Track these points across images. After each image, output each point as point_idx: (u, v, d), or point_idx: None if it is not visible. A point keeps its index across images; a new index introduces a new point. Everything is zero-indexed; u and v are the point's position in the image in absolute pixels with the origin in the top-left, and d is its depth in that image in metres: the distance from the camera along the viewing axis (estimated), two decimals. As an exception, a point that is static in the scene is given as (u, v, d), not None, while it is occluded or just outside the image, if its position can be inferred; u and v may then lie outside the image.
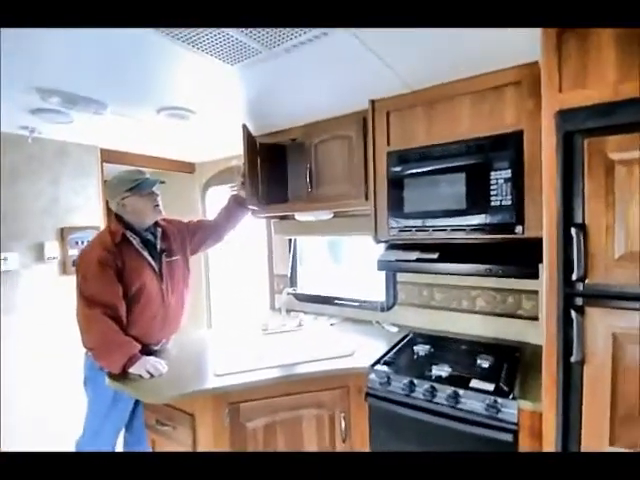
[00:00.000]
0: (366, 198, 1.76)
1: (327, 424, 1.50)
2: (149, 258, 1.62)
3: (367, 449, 1.50)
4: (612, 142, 0.97)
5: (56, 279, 2.28)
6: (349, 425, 1.51)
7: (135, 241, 1.60)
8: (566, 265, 1.03)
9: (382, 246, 1.80)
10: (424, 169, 1.55)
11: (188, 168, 2.99)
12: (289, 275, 2.48)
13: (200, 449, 1.43)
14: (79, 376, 1.66)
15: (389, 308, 2.14)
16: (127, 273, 1.53)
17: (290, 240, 2.47)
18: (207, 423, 1.40)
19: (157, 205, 1.62)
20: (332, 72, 1.40)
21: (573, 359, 1.02)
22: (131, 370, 1.45)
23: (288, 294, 2.12)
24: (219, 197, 2.86)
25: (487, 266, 1.42)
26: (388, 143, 1.66)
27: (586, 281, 1.01)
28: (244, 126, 1.89)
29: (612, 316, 0.99)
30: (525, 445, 1.20)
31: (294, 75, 1.42)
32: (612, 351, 0.99)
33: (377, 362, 1.54)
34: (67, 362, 2.25)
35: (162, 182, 1.66)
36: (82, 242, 2.37)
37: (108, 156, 2.53)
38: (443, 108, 1.53)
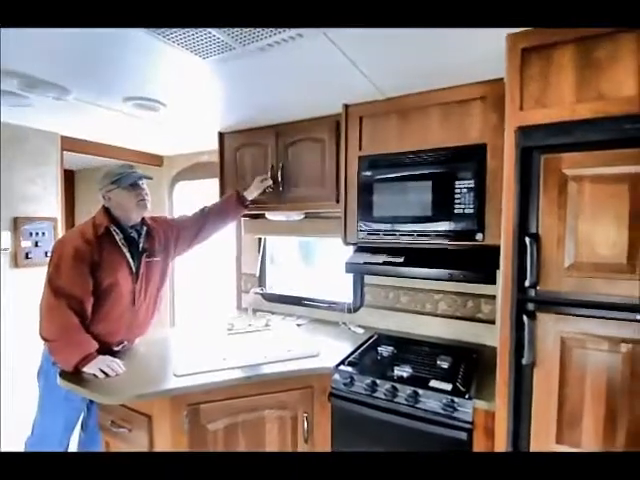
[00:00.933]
0: (337, 201, 1.78)
1: (289, 425, 1.49)
2: (128, 256, 1.55)
3: (329, 449, 1.52)
4: (567, 159, 1.04)
5: (5, 272, 2.13)
6: (312, 426, 1.52)
7: (118, 237, 1.54)
8: (520, 272, 1.09)
9: (351, 249, 1.83)
10: (393, 175, 1.60)
11: (156, 161, 2.89)
12: (258, 275, 2.46)
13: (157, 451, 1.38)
14: (31, 374, 1.56)
15: (356, 310, 2.18)
16: (102, 268, 1.48)
17: (260, 239, 2.45)
18: (165, 425, 1.36)
19: (142, 200, 1.57)
20: (306, 74, 1.41)
21: (524, 361, 1.08)
22: (85, 369, 1.39)
23: (255, 294, 2.10)
24: (188, 192, 2.79)
25: (449, 271, 1.48)
26: (360, 148, 1.69)
27: (538, 288, 1.08)
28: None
29: (561, 321, 1.06)
30: (479, 443, 1.25)
31: (268, 74, 1.41)
32: (560, 354, 1.06)
33: (341, 363, 1.56)
34: (15, 360, 2.11)
35: (149, 178, 1.61)
36: (37, 234, 2.24)
37: (70, 144, 2.39)
38: (415, 117, 1.58)
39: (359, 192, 1.69)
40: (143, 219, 1.63)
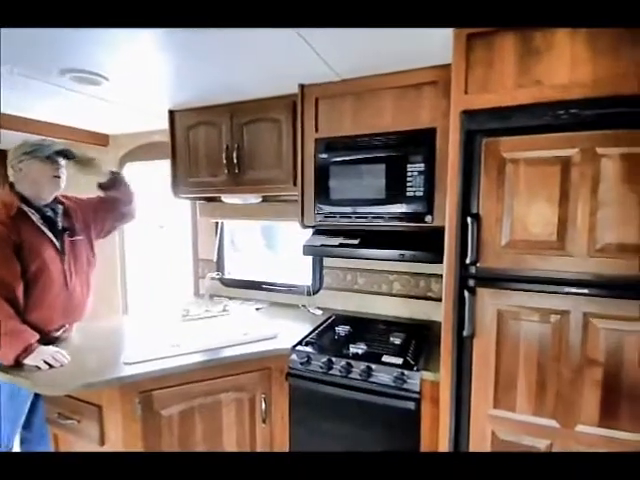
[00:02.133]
0: (294, 184, 1.77)
1: (247, 407, 1.51)
2: (50, 235, 1.45)
3: (287, 429, 1.55)
4: (505, 143, 1.11)
5: None
6: (270, 406, 1.54)
7: (34, 217, 1.43)
8: (462, 251, 1.16)
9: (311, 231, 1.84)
10: (349, 158, 1.61)
11: (101, 140, 2.70)
12: (215, 260, 2.41)
13: (109, 442, 1.35)
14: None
15: (315, 292, 2.21)
16: (25, 250, 1.37)
17: (217, 223, 2.39)
18: (116, 414, 1.32)
19: (57, 176, 1.45)
20: (261, 52, 1.36)
21: (465, 334, 1.16)
22: (26, 361, 1.30)
23: (212, 279, 2.06)
24: (139, 174, 2.63)
25: (401, 252, 1.53)
26: (316, 130, 1.68)
27: (478, 265, 1.15)
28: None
29: (498, 295, 1.15)
30: (427, 412, 1.34)
31: (220, 51, 1.35)
32: (497, 326, 1.15)
33: (299, 343, 1.58)
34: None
35: (69, 156, 1.49)
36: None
37: (7, 122, 2.17)
38: (369, 100, 1.59)
39: (316, 175, 1.68)
40: (56, 197, 1.53)
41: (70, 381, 1.25)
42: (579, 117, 1.03)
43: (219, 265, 2.43)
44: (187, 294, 2.50)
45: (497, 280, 1.14)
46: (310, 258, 2.19)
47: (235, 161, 1.84)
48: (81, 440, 1.40)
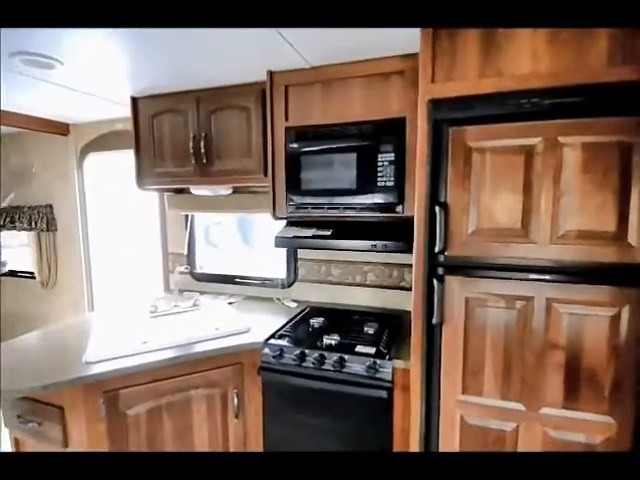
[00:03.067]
0: (265, 174, 1.73)
1: (219, 403, 1.47)
2: None
3: (260, 423, 1.53)
4: (470, 132, 1.11)
5: None
6: (242, 401, 1.52)
7: None
8: (431, 240, 1.16)
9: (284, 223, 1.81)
10: (320, 148, 1.58)
11: (60, 129, 2.54)
12: (186, 253, 2.33)
13: (73, 443, 1.29)
14: None
15: (290, 285, 2.18)
16: None
17: (187, 216, 2.31)
18: (79, 415, 1.27)
19: None
20: (227, 40, 1.31)
21: (434, 321, 1.17)
22: None
23: (181, 273, 2.00)
24: (102, 165, 2.51)
25: (372, 242, 1.53)
26: (286, 118, 1.64)
27: (446, 253, 1.16)
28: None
29: (465, 283, 1.16)
30: (399, 400, 1.35)
31: (183, 37, 1.29)
32: (465, 313, 1.17)
33: (272, 336, 1.56)
34: None
35: None
36: None
37: None
38: (338, 88, 1.56)
39: (287, 165, 1.65)
40: None
41: (26, 382, 1.18)
42: (541, 106, 1.04)
43: (190, 259, 2.36)
44: (157, 289, 2.42)
45: (464, 268, 1.15)
46: (284, 251, 2.16)
47: (203, 151, 1.78)
48: (43, 443, 1.34)
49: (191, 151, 1.80)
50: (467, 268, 1.15)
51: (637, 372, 1.05)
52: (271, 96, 1.63)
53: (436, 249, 1.15)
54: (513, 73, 1.07)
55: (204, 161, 1.79)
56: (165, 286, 2.42)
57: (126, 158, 2.10)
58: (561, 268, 1.06)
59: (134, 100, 1.93)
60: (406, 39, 1.30)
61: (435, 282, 1.16)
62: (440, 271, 1.17)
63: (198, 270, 2.38)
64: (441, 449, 1.24)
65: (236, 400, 1.49)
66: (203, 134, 1.78)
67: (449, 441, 1.23)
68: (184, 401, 1.42)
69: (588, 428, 1.11)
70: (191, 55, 1.46)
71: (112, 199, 2.65)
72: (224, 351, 1.45)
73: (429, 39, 1.14)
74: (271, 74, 1.62)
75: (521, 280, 1.10)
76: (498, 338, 1.15)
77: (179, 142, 1.85)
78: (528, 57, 1.06)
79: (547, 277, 1.07)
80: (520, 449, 1.16)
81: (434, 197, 1.16)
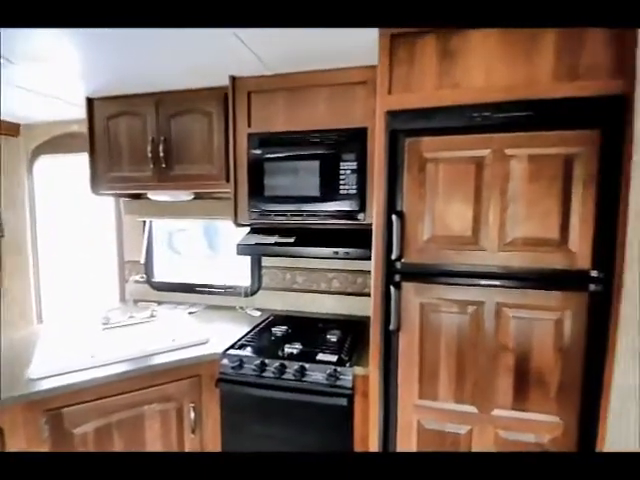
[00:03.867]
0: (227, 180, 1.70)
1: (174, 418, 1.41)
2: None
3: (219, 437, 1.48)
4: (425, 143, 1.15)
5: None
6: (200, 415, 1.46)
7: None
8: (388, 247, 1.18)
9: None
10: (283, 155, 1.58)
11: (10, 130, 2.38)
12: (143, 262, 2.24)
13: (9, 470, 1.18)
14: None
15: (254, 293, 2.15)
16: None
17: (145, 222, 2.22)
18: (19, 437, 1.17)
19: None
20: (185, 42, 1.29)
21: (391, 327, 1.19)
22: None
23: (136, 282, 1.91)
24: (54, 168, 2.37)
25: (335, 249, 1.54)
26: (249, 124, 1.62)
27: (402, 260, 1.19)
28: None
29: (421, 289, 1.19)
30: (359, 407, 1.35)
31: (140, 38, 1.25)
32: (420, 319, 1.19)
33: (231, 347, 1.52)
34: None
35: None
36: None
37: None
38: (302, 97, 1.57)
39: (249, 171, 1.63)
40: None
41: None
42: (491, 119, 1.10)
43: (148, 267, 2.26)
44: (111, 300, 2.30)
45: (420, 274, 1.18)
46: (249, 258, 2.13)
47: (162, 155, 1.72)
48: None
49: (149, 155, 1.74)
50: (422, 275, 1.18)
51: (582, 373, 1.11)
52: (233, 102, 1.62)
53: (393, 256, 1.17)
54: (468, 85, 1.12)
55: (163, 166, 1.74)
56: (120, 296, 2.30)
57: (81, 161, 2.00)
58: (509, 274, 1.11)
59: (89, 101, 1.84)
60: (367, 49, 1.32)
61: (392, 289, 1.17)
62: (397, 278, 1.19)
63: (157, 279, 2.29)
64: (399, 455, 1.24)
65: (193, 414, 1.42)
66: (162, 138, 1.73)
67: (406, 446, 1.24)
68: (136, 418, 1.34)
69: (537, 428, 1.15)
70: (149, 56, 1.42)
71: (65, 204, 2.50)
72: (180, 363, 1.40)
73: (386, 50, 1.17)
74: (233, 79, 1.60)
75: (472, 286, 1.14)
76: (452, 342, 1.18)
77: (137, 145, 1.78)
78: (482, 70, 1.11)
79: (496, 282, 1.12)
80: (474, 451, 1.19)
81: (391, 205, 1.18)
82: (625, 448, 1.02)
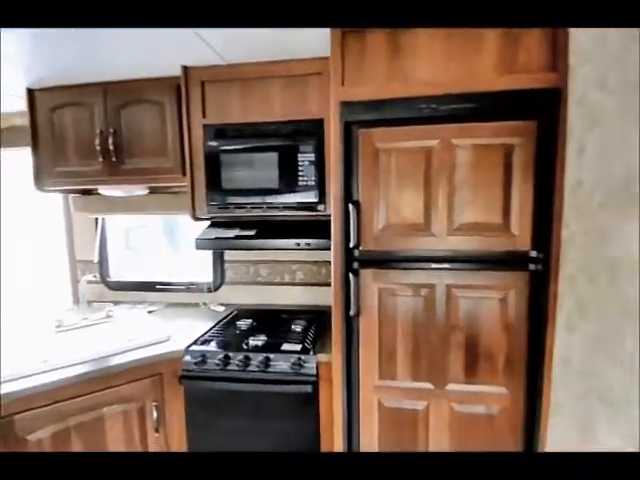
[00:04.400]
0: (183, 173, 1.66)
1: (136, 418, 1.37)
2: None
3: (184, 433, 1.47)
4: (377, 134, 1.19)
5: None
6: (163, 414, 1.43)
7: None
8: (347, 236, 1.21)
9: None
10: (240, 146, 1.56)
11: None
12: (97, 261, 2.13)
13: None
14: None
15: (217, 288, 2.12)
16: None
17: (97, 219, 2.12)
18: (-37, 449, 1.10)
19: None
20: (135, 30, 1.23)
21: (351, 312, 1.23)
22: None
23: (89, 282, 1.83)
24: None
25: (296, 240, 1.55)
26: (204, 115, 1.59)
27: (360, 248, 1.23)
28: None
29: (378, 275, 1.24)
30: (323, 393, 1.39)
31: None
32: (378, 303, 1.24)
33: (193, 343, 1.50)
34: None
35: None
36: None
37: None
38: (258, 87, 1.56)
39: (206, 164, 1.60)
40: None
41: None
42: (438, 111, 1.15)
43: (102, 266, 2.16)
44: (64, 301, 2.18)
45: (377, 261, 1.23)
46: (210, 253, 2.09)
47: (111, 148, 1.65)
48: None
49: (98, 148, 1.65)
50: (379, 261, 1.23)
51: (526, 346, 1.21)
52: (187, 92, 1.57)
53: (351, 244, 1.20)
54: (416, 79, 1.16)
55: (113, 159, 1.66)
56: (74, 298, 2.19)
57: (27, 157, 1.86)
58: (457, 257, 1.19)
59: (30, 92, 1.72)
60: (321, 42, 1.33)
61: (351, 276, 1.21)
62: (355, 265, 1.23)
63: (113, 278, 2.20)
64: (362, 434, 1.30)
65: (155, 413, 1.40)
66: (112, 130, 1.65)
67: (369, 426, 1.30)
68: (96, 420, 1.30)
69: (487, 399, 1.24)
70: (95, 45, 1.34)
71: (10, 202, 2.32)
72: (139, 363, 1.36)
73: (338, 43, 1.19)
74: (185, 69, 1.56)
75: (425, 270, 1.21)
76: (407, 324, 1.25)
77: (84, 138, 1.68)
78: (428, 64, 1.16)
79: (446, 266, 1.19)
80: (431, 425, 1.27)
81: (348, 195, 1.21)
82: (569, 414, 1.13)
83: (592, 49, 1.05)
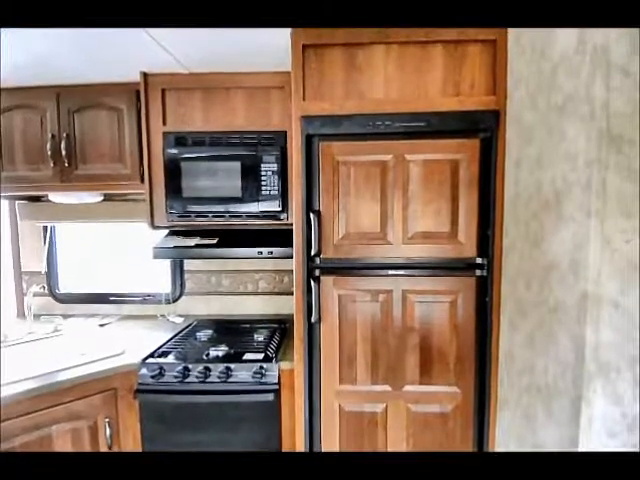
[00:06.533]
0: (142, 180, 1.62)
1: (87, 435, 1.30)
2: None
3: (139, 449, 1.41)
4: (337, 147, 1.25)
5: None
6: (117, 430, 1.37)
7: None
8: (308, 244, 1.25)
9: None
10: (202, 155, 1.56)
11: None
12: (45, 272, 2.01)
13: None
14: None
15: (176, 299, 2.06)
16: None
17: (45, 228, 2.00)
18: None
19: None
20: (90, 32, 1.21)
21: (313, 319, 1.26)
22: None
23: (35, 295, 1.72)
24: None
25: (258, 249, 1.57)
26: (164, 123, 1.57)
27: (321, 256, 1.27)
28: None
29: (338, 282, 1.28)
30: (285, 400, 1.40)
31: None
32: (338, 309, 1.28)
33: (150, 355, 1.46)
34: None
35: None
36: None
37: None
38: (220, 97, 1.57)
39: (166, 171, 1.58)
40: None
41: None
42: (392, 128, 1.23)
43: (50, 278, 2.04)
44: (8, 315, 2.02)
45: (337, 269, 1.28)
46: (168, 263, 2.04)
47: (64, 153, 1.58)
48: None
49: (49, 153, 1.58)
50: (339, 268, 1.28)
51: (474, 347, 1.30)
52: (146, 98, 1.55)
53: (312, 253, 1.24)
54: (371, 96, 1.24)
55: (66, 165, 1.59)
56: (19, 311, 2.04)
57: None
58: (411, 264, 1.26)
59: (-29, 92, 1.61)
60: (282, 56, 1.38)
61: (312, 283, 1.25)
62: (317, 272, 1.27)
63: (62, 290, 2.07)
64: (323, 439, 1.32)
65: (109, 430, 1.33)
66: (64, 134, 1.58)
67: (330, 431, 1.32)
68: (43, 439, 1.22)
69: (440, 399, 1.32)
70: (47, 45, 1.30)
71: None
72: (90, 377, 1.30)
73: (299, 58, 1.24)
74: (145, 75, 1.54)
75: (382, 276, 1.27)
76: (366, 329, 1.30)
77: (34, 142, 1.60)
78: (382, 83, 1.24)
79: (401, 272, 1.26)
80: (389, 426, 1.32)
81: (310, 205, 1.26)
82: (515, 407, 1.22)
83: (527, 74, 1.17)
